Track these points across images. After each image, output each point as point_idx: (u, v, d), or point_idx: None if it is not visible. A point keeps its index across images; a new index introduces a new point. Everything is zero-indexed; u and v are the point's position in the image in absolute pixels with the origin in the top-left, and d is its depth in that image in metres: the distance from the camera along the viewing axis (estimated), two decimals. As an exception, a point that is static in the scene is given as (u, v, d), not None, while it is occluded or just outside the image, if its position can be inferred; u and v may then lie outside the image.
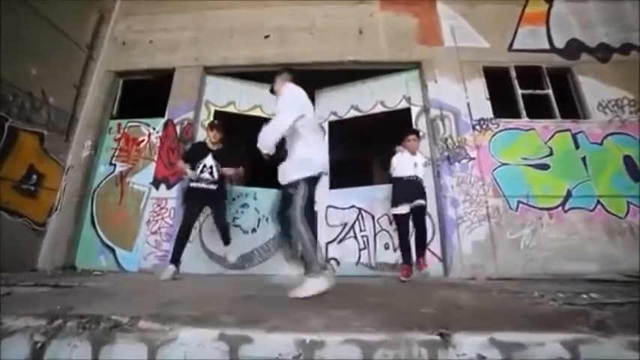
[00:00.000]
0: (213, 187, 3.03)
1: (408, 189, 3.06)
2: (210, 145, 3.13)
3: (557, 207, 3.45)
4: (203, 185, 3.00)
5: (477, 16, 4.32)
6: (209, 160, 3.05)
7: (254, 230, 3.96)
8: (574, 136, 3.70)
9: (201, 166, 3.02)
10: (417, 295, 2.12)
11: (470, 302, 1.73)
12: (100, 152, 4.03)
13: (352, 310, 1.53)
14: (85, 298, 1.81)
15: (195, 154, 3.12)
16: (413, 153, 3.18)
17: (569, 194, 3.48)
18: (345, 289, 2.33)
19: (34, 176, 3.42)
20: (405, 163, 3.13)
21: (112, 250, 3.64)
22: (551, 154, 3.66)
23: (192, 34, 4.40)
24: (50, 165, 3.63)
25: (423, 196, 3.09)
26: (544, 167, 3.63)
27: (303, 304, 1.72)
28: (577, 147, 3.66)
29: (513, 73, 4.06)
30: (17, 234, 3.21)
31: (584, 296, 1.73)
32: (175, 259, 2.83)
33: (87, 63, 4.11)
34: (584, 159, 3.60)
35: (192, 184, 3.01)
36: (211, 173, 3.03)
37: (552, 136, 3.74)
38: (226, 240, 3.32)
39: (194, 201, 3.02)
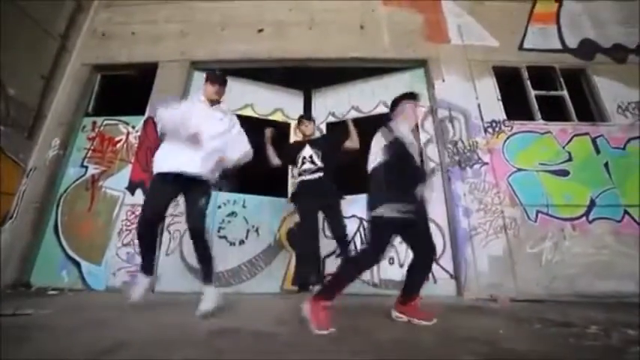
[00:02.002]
0: (318, 175, 2.81)
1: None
2: (303, 139, 3.07)
3: (581, 217, 3.11)
4: (308, 177, 2.83)
5: (484, 14, 4.08)
6: (307, 151, 2.91)
7: (242, 242, 3.52)
8: (594, 140, 3.40)
9: (300, 159, 2.90)
10: (441, 325, 1.70)
11: (516, 343, 1.32)
12: (70, 152, 3.57)
13: (368, 355, 1.12)
14: (6, 337, 1.35)
15: (291, 150, 3.05)
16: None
17: (592, 203, 3.15)
18: (350, 317, 1.89)
19: (-15, 178, 2.95)
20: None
21: (77, 265, 3.14)
22: (570, 159, 3.35)
23: (179, 26, 4.03)
24: (6, 165, 3.15)
25: None
26: (563, 173, 3.30)
27: (296, 346, 1.29)
28: (598, 152, 3.35)
29: (525, 74, 3.79)
30: (-41, 246, 2.71)
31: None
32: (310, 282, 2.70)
33: (59, 54, 3.69)
34: (606, 165, 3.29)
35: (299, 179, 2.91)
36: (312, 162, 2.86)
37: (570, 140, 3.43)
38: (344, 251, 2.75)
39: (306, 198, 2.81)
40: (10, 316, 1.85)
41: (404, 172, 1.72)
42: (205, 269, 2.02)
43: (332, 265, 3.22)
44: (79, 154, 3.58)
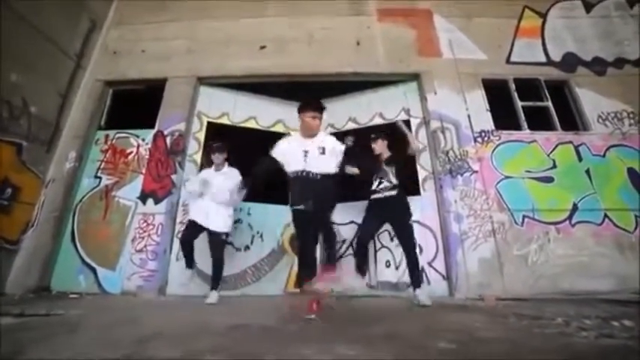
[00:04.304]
0: (391, 193, 2.92)
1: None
2: (379, 157, 3.10)
3: (564, 221, 3.33)
4: (382, 195, 2.95)
5: (473, 29, 4.33)
6: (382, 171, 3.02)
7: (247, 248, 3.74)
8: (576, 148, 3.63)
9: (377, 179, 3.01)
10: (426, 321, 1.92)
11: (488, 332, 1.54)
12: (84, 164, 3.79)
13: (359, 345, 1.33)
14: (46, 333, 1.56)
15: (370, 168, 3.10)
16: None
17: (575, 208, 3.37)
18: (347, 314, 2.12)
19: (9, 190, 3.16)
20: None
21: (93, 270, 3.35)
22: (554, 166, 3.57)
23: (186, 43, 4.29)
24: (28, 178, 3.38)
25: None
26: (548, 180, 3.53)
27: (302, 336, 1.51)
28: (580, 159, 3.58)
29: (512, 85, 4.03)
30: (-15, 253, 2.93)
31: (616, 324, 1.56)
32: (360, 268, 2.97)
33: (75, 72, 3.94)
34: (587, 171, 3.52)
35: (373, 196, 3.02)
36: (389, 180, 2.97)
37: (554, 148, 3.66)
38: (415, 282, 2.73)
39: (375, 212, 3.00)
40: (44, 316, 2.07)
41: None
42: (215, 276, 2.91)
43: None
44: (93, 165, 3.81)
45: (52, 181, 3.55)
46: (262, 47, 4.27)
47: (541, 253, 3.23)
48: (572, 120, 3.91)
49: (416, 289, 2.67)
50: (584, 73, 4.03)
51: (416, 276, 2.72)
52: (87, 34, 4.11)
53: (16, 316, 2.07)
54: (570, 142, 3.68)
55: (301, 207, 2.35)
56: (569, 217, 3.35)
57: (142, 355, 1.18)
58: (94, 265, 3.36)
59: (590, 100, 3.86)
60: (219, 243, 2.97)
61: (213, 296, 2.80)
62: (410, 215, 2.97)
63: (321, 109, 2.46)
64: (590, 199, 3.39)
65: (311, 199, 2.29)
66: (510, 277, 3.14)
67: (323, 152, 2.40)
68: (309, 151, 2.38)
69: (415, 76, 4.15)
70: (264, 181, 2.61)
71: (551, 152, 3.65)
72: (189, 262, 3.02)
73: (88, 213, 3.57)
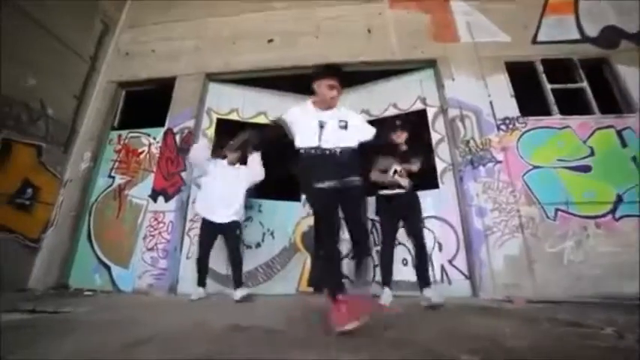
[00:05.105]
0: (403, 190, 2.67)
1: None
2: (397, 149, 2.80)
3: (606, 215, 2.96)
4: (395, 191, 2.67)
5: (494, 10, 3.98)
6: (398, 165, 2.73)
7: (258, 245, 3.65)
8: (619, 133, 3.23)
9: (392, 172, 2.72)
10: (445, 325, 1.72)
11: (519, 341, 1.32)
12: (99, 164, 3.88)
13: (366, 352, 1.17)
14: (47, 331, 1.53)
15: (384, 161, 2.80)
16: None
17: (619, 200, 2.98)
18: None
19: (29, 190, 3.27)
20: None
21: (108, 268, 3.41)
22: (592, 154, 3.20)
23: (194, 41, 4.28)
24: (47, 178, 3.49)
25: None
26: (585, 169, 3.16)
27: (305, 342, 1.37)
28: (624, 145, 3.18)
29: (540, 67, 3.66)
30: (8, 251, 3.03)
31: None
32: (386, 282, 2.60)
33: (89, 74, 4.04)
34: (634, 159, 3.11)
35: (382, 192, 2.74)
36: (402, 176, 2.71)
37: (592, 133, 3.28)
38: (425, 281, 2.53)
39: (389, 211, 2.71)
40: (52, 313, 2.08)
41: None
42: (235, 275, 2.87)
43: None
44: (107, 165, 3.88)
45: (69, 182, 3.65)
46: (270, 41, 4.18)
47: (579, 251, 2.89)
48: (612, 102, 3.49)
49: (424, 289, 2.45)
50: (628, 47, 3.58)
51: (427, 274, 2.52)
52: (100, 37, 4.21)
53: (26, 312, 2.09)
54: (611, 126, 3.28)
55: (324, 185, 1.80)
56: (613, 211, 2.97)
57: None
58: (108, 263, 3.41)
59: (636, 79, 3.42)
60: (234, 238, 2.92)
61: (240, 292, 2.72)
62: (421, 211, 2.78)
63: (340, 76, 1.99)
64: (638, 190, 2.99)
65: (334, 179, 1.81)
66: (542, 278, 2.83)
67: (345, 127, 1.94)
68: (326, 123, 1.90)
69: (431, 63, 3.89)
70: (274, 146, 2.19)
71: (587, 138, 3.27)
72: (202, 279, 2.88)
73: (103, 212, 3.64)
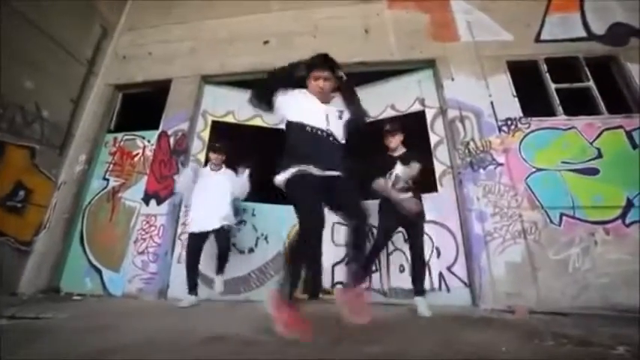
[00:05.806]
0: (406, 194, 2.57)
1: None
2: (392, 153, 2.73)
3: (615, 220, 2.79)
4: (402, 195, 2.57)
5: (496, 9, 3.87)
6: (398, 168, 2.60)
7: (251, 250, 3.57)
8: (629, 134, 3.06)
9: (392, 177, 2.61)
10: (440, 337, 1.60)
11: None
12: (94, 167, 3.87)
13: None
14: (17, 338, 1.47)
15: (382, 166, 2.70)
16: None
17: (630, 204, 2.82)
18: (342, 326, 1.83)
19: (22, 193, 3.26)
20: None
21: (99, 272, 3.36)
22: (599, 156, 3.04)
23: (190, 44, 4.27)
24: (40, 180, 3.48)
25: None
26: (592, 172, 3.00)
27: (281, 354, 1.28)
28: (634, 146, 3.01)
29: (544, 67, 3.53)
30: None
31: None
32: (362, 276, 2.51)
33: (87, 77, 4.05)
34: (644, 161, 2.94)
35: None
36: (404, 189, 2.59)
37: (599, 135, 3.12)
38: (419, 289, 2.48)
39: (389, 215, 2.61)
40: (33, 319, 2.02)
41: None
42: (220, 263, 2.92)
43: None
44: (102, 168, 3.87)
45: (63, 184, 3.64)
46: (265, 42, 4.14)
47: (585, 258, 2.73)
48: (621, 101, 3.33)
49: (416, 297, 2.38)
50: (637, 45, 3.42)
51: (420, 283, 2.44)
52: (98, 41, 4.23)
53: (5, 318, 2.04)
54: (620, 126, 3.12)
55: (310, 168, 1.64)
56: (623, 216, 2.80)
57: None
58: (99, 266, 3.37)
59: (645, 77, 3.26)
60: (224, 240, 2.93)
61: (219, 282, 2.86)
62: (424, 218, 2.66)
63: (331, 67, 1.86)
64: (649, 194, 2.82)
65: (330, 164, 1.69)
66: (546, 286, 2.67)
67: (340, 117, 1.87)
68: (330, 112, 1.83)
69: (430, 63, 3.78)
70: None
71: (594, 140, 3.11)
72: (193, 287, 2.77)
73: (96, 215, 3.61)
